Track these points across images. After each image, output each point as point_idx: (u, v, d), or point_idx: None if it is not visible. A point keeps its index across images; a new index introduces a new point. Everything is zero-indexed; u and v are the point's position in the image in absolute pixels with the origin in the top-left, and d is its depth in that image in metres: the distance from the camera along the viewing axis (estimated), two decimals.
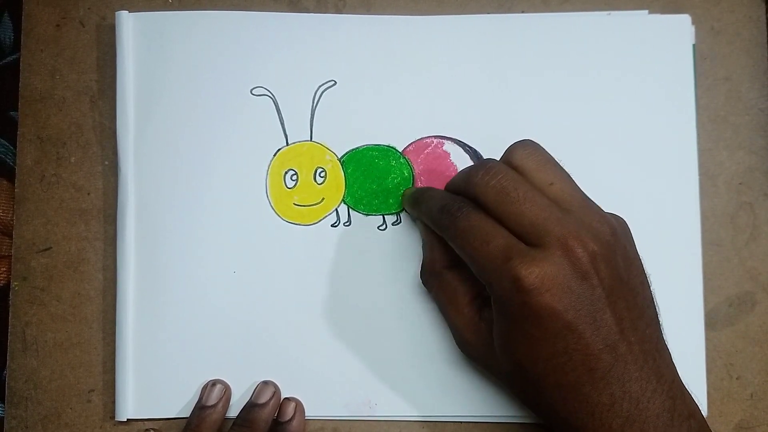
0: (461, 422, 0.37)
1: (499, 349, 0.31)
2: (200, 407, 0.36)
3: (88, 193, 0.39)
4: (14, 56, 0.40)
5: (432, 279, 0.35)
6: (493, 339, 0.31)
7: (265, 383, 0.37)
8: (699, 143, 0.38)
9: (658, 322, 0.31)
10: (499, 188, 0.30)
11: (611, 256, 0.29)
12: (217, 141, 0.38)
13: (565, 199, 0.30)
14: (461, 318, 0.33)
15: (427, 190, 0.36)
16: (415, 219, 0.37)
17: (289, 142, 0.38)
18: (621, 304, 0.29)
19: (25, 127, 0.39)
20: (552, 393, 0.29)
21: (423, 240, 0.36)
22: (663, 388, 0.29)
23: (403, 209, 0.38)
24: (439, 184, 0.38)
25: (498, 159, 0.32)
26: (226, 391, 0.37)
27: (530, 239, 0.29)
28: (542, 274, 0.28)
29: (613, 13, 0.39)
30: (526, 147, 0.32)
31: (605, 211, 0.31)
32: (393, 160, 0.38)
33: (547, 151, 0.32)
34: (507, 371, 0.31)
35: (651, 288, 0.31)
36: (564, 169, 0.32)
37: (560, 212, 0.29)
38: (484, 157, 0.37)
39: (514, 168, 0.31)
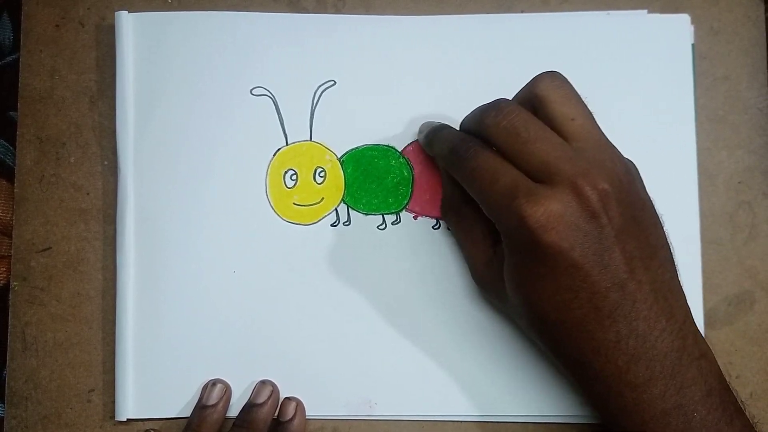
0: (461, 422, 0.37)
1: (507, 285, 0.31)
2: (201, 407, 0.36)
3: (88, 193, 0.39)
4: (14, 56, 0.40)
5: (451, 213, 0.35)
6: (503, 273, 0.31)
7: (263, 383, 0.37)
8: (698, 142, 0.38)
9: (673, 263, 0.30)
10: (510, 128, 0.30)
11: (623, 195, 0.29)
12: (217, 141, 0.38)
13: (582, 135, 0.30)
14: (476, 250, 0.34)
15: (440, 130, 0.35)
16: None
17: (289, 141, 0.38)
18: (631, 243, 0.29)
19: (24, 127, 0.39)
20: (557, 329, 0.29)
21: (442, 175, 0.36)
22: (673, 327, 0.29)
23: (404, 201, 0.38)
24: (439, 184, 0.38)
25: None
26: (227, 390, 0.37)
27: (540, 177, 0.29)
28: (547, 212, 0.28)
29: (612, 12, 0.39)
30: (554, 78, 0.31)
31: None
32: (392, 159, 0.38)
33: (572, 86, 0.31)
34: (516, 306, 0.31)
35: (664, 230, 0.31)
36: (587, 107, 0.31)
37: (572, 151, 0.29)
38: None
39: (537, 97, 0.31)
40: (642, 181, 0.31)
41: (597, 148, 0.30)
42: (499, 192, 0.29)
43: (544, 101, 0.31)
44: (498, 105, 0.31)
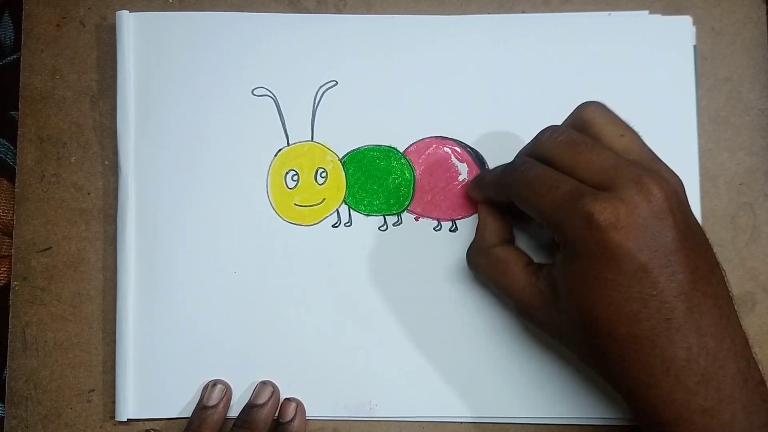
0: (461, 422, 0.37)
1: (567, 301, 0.30)
2: (201, 407, 0.36)
3: (88, 193, 0.39)
4: (14, 56, 0.40)
5: (480, 256, 0.35)
6: (560, 292, 0.30)
7: (264, 383, 0.37)
8: (699, 144, 0.38)
9: (726, 284, 0.29)
10: (569, 141, 0.30)
11: (682, 204, 0.29)
12: (218, 141, 0.38)
13: (634, 150, 0.30)
14: (517, 284, 0.32)
15: (489, 170, 0.36)
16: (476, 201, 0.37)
17: (290, 142, 0.38)
18: (694, 253, 0.28)
19: (25, 127, 0.39)
20: (624, 345, 0.28)
21: (479, 219, 0.35)
22: (737, 348, 0.28)
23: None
24: (441, 185, 0.38)
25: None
26: (227, 391, 0.37)
27: (601, 185, 0.28)
28: (616, 211, 0.27)
29: (613, 13, 0.39)
30: (598, 104, 0.31)
31: None
32: (394, 160, 0.38)
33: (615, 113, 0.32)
34: (574, 327, 0.30)
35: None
36: (633, 128, 0.31)
37: (629, 160, 0.29)
38: (485, 159, 0.38)
39: (585, 121, 0.31)
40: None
41: (650, 160, 0.30)
42: (561, 197, 0.29)
43: (590, 124, 0.31)
44: (553, 126, 0.31)
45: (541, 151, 0.31)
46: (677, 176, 0.30)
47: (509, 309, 0.37)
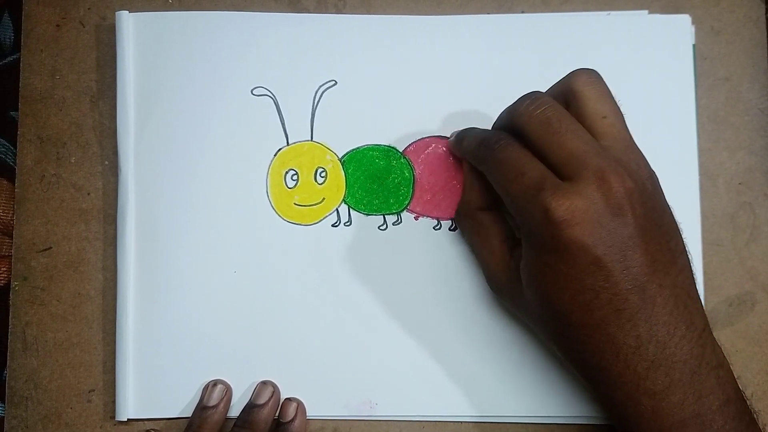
0: (461, 422, 0.37)
1: (526, 285, 0.30)
2: (201, 408, 0.36)
3: (88, 193, 0.39)
4: (14, 56, 0.40)
5: (466, 219, 0.35)
6: (521, 275, 0.31)
7: (264, 383, 0.37)
8: (699, 143, 0.38)
9: (691, 271, 0.30)
10: (543, 118, 0.30)
11: (646, 197, 0.29)
12: (218, 141, 0.38)
13: (612, 134, 0.30)
14: (492, 256, 0.33)
15: (471, 129, 0.35)
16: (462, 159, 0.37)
17: (290, 142, 0.38)
18: (653, 245, 0.28)
19: (25, 127, 0.39)
20: (577, 332, 0.29)
21: (464, 179, 0.36)
22: (692, 335, 0.28)
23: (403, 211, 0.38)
24: (440, 185, 0.38)
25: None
26: (227, 391, 0.37)
27: (566, 172, 0.29)
28: (573, 207, 0.27)
29: (613, 13, 0.39)
30: (590, 75, 0.31)
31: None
32: (393, 160, 0.38)
33: (607, 85, 0.31)
34: (534, 308, 0.31)
35: (683, 238, 0.30)
36: (619, 108, 0.31)
37: (601, 148, 0.29)
38: None
39: (573, 92, 0.31)
40: (662, 191, 0.31)
41: (624, 149, 0.30)
42: (525, 185, 0.29)
43: (578, 96, 0.31)
44: (533, 95, 0.31)
45: (516, 122, 0.31)
46: (649, 168, 0.30)
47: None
